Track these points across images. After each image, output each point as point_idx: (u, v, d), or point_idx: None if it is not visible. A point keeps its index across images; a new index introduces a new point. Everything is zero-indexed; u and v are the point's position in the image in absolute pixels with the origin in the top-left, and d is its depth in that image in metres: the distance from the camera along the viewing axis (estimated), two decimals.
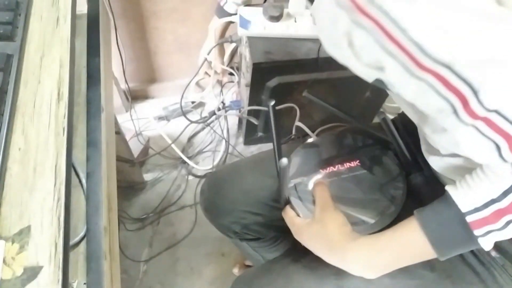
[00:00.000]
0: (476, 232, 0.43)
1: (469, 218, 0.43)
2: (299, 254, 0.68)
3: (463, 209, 0.43)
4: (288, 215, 0.62)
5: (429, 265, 0.58)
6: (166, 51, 1.36)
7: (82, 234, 0.47)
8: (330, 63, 1.06)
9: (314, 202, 0.59)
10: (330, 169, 0.64)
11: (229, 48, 1.33)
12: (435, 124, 0.43)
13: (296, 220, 0.60)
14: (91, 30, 0.63)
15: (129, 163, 1.18)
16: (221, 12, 1.08)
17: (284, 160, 0.53)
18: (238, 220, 0.79)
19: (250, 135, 1.43)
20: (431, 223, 0.47)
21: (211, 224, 0.86)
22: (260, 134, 1.42)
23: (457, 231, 0.44)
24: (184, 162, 1.40)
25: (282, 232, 0.85)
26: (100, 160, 0.51)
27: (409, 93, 0.40)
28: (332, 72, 1.14)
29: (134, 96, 1.52)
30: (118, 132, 1.01)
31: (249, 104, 1.25)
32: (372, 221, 0.58)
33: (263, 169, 0.78)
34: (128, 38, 1.28)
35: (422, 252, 0.48)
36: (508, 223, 0.41)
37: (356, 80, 1.09)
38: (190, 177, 1.39)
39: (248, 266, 1.22)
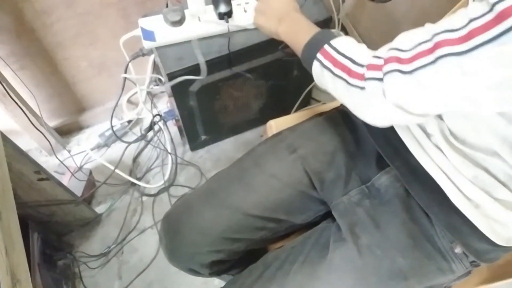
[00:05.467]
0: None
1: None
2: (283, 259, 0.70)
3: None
4: None
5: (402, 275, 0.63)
6: (85, 78, 1.30)
7: None
8: (242, 55, 1.05)
9: None
10: None
11: (150, 58, 1.28)
12: None
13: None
14: None
15: (73, 203, 1.13)
16: None
17: None
18: (203, 262, 0.75)
19: (194, 140, 1.40)
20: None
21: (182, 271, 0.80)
22: (203, 137, 1.39)
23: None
24: (135, 185, 1.36)
25: (251, 259, 0.80)
26: None
27: None
28: (252, 61, 1.12)
29: (68, 131, 1.46)
30: (47, 178, 0.97)
31: (180, 112, 1.22)
32: None
33: (216, 200, 0.74)
34: (40, 76, 1.21)
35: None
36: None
37: (280, 64, 1.11)
38: (144, 198, 1.36)
39: None
